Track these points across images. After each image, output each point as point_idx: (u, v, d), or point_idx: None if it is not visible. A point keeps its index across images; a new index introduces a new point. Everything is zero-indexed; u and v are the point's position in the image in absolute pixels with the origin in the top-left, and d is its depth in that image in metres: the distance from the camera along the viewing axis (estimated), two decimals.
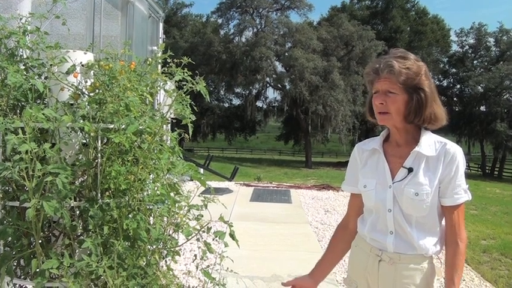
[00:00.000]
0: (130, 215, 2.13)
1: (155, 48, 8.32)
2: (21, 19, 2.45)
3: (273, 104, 41.18)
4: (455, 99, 45.23)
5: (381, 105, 1.98)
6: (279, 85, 36.90)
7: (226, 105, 43.63)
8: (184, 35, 40.92)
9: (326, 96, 32.76)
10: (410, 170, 1.99)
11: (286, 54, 36.01)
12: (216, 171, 14.13)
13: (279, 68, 37.83)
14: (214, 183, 12.48)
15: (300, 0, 38.91)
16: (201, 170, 13.00)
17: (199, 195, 2.42)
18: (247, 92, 39.85)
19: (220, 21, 41.16)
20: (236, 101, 43.49)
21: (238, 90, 41.19)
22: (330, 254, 2.35)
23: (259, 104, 41.29)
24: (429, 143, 2.01)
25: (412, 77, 1.95)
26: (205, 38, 37.50)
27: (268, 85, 38.80)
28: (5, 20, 2.39)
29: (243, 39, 38.79)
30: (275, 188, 13.62)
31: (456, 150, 1.97)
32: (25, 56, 2.43)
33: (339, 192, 13.42)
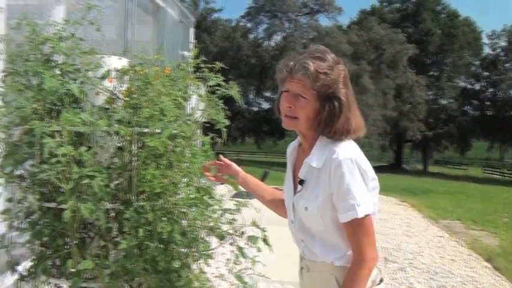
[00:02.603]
0: (164, 218, 2.15)
1: (186, 53, 8.40)
2: (55, 26, 2.50)
3: None
4: (487, 103, 44.38)
5: (288, 108, 1.80)
6: None
7: (256, 109, 43.71)
8: (214, 39, 41.19)
9: (356, 100, 32.42)
10: (301, 182, 1.84)
11: None
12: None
13: None
14: None
15: (330, 4, 38.76)
16: None
17: (230, 199, 2.43)
18: (276, 96, 39.81)
19: (249, 25, 41.34)
20: (265, 105, 43.53)
21: (267, 94, 41.27)
22: (262, 192, 2.25)
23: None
24: (321, 152, 1.79)
25: (328, 84, 1.75)
26: (234, 43, 37.72)
27: None
28: (41, 27, 2.44)
29: (272, 44, 38.91)
30: None
31: (342, 160, 1.72)
32: (60, 62, 2.48)
33: None
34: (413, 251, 7.41)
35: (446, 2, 44.60)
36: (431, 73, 43.04)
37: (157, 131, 2.13)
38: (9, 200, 2.31)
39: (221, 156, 2.22)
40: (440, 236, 8.88)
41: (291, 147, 2.04)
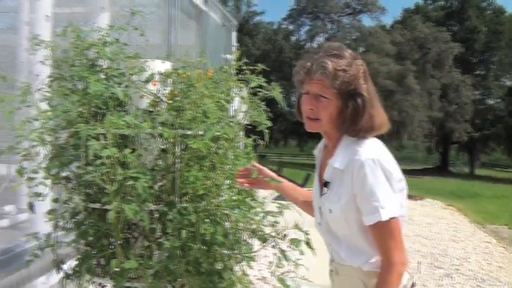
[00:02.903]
0: (207, 220, 2.16)
1: (229, 56, 8.46)
2: (100, 31, 2.56)
3: None
4: None
5: (310, 110, 1.77)
6: None
7: None
8: (256, 42, 41.34)
9: (401, 101, 31.86)
10: (326, 184, 1.81)
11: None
12: (288, 178, 14.10)
13: None
14: None
15: (372, 4, 38.32)
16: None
17: (272, 201, 2.42)
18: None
19: (291, 27, 41.35)
20: None
21: None
22: (296, 194, 2.27)
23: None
24: (345, 152, 1.75)
25: (349, 81, 1.71)
26: (276, 45, 37.76)
27: None
28: (86, 33, 2.50)
29: (315, 45, 38.69)
30: None
31: (364, 161, 1.67)
32: (105, 66, 2.54)
33: (416, 201, 13.02)
34: (460, 257, 7.22)
35: None
36: (477, 72, 41.69)
37: (200, 133, 2.14)
38: (55, 200, 2.37)
39: (254, 163, 2.20)
40: (488, 242, 8.62)
41: (317, 150, 2.03)
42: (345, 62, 1.72)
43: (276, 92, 2.32)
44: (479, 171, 39.81)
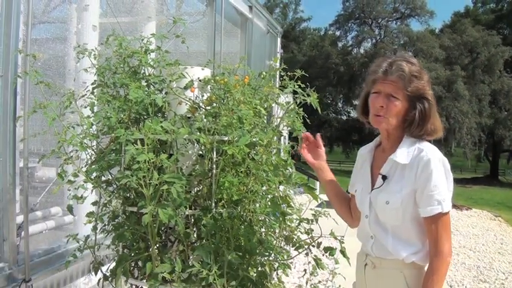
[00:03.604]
0: (242, 226, 2.17)
1: (273, 62, 8.48)
2: (143, 40, 2.62)
3: None
4: None
5: (380, 108, 1.89)
6: None
7: (344, 117, 43.13)
8: (303, 48, 41.26)
9: (449, 107, 31.01)
10: (384, 177, 1.94)
11: None
12: None
13: None
14: None
15: (421, 8, 37.48)
16: (317, 184, 12.90)
17: (311, 209, 2.40)
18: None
19: (338, 33, 40.95)
20: (354, 114, 42.86)
21: (356, 102, 40.56)
22: (331, 184, 2.30)
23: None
24: (408, 150, 1.90)
25: (419, 87, 1.87)
26: (323, 51, 37.50)
27: None
28: (128, 41, 2.56)
29: (362, 51, 38.25)
30: None
31: (431, 158, 1.84)
32: (147, 73, 2.60)
33: (462, 212, 12.64)
34: (506, 271, 6.94)
35: None
36: None
37: (236, 138, 2.16)
38: (95, 203, 2.44)
39: (318, 135, 2.24)
40: None
41: (366, 150, 2.15)
42: (417, 68, 1.89)
43: (312, 97, 2.31)
44: None
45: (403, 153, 1.89)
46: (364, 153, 2.14)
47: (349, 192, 2.28)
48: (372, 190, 2.00)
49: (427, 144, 1.91)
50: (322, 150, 2.24)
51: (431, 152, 1.86)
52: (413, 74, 1.86)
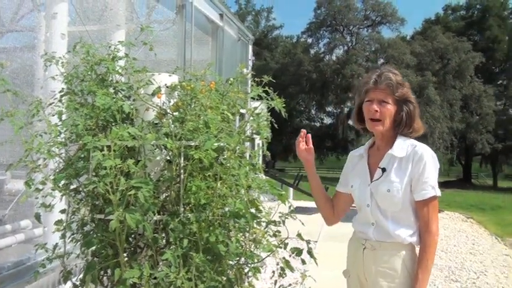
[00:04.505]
0: (210, 229, 2.19)
1: (245, 70, 8.52)
2: (110, 47, 2.63)
3: None
4: None
5: (375, 112, 2.25)
6: None
7: (318, 124, 43.36)
8: (275, 56, 41.40)
9: (421, 112, 31.28)
10: (383, 170, 2.27)
11: None
12: (305, 191, 14.02)
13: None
14: (303, 203, 12.34)
15: (392, 15, 38.09)
16: (290, 190, 12.98)
17: (280, 214, 2.44)
18: (339, 110, 39.42)
19: (310, 40, 41.34)
20: (327, 120, 43.11)
21: (329, 109, 40.81)
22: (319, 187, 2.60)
23: (351, 122, 40.43)
24: (402, 146, 2.26)
25: (404, 92, 2.26)
26: (295, 58, 37.66)
27: None
28: (95, 49, 2.57)
29: (334, 58, 38.56)
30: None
31: (424, 151, 2.23)
32: (115, 81, 2.60)
33: (440, 213, 12.83)
34: (478, 270, 7.08)
35: None
36: (499, 82, 40.75)
37: (202, 143, 2.18)
38: (63, 211, 2.43)
39: (309, 135, 2.52)
40: (507, 255, 8.42)
41: (358, 152, 2.48)
42: (400, 78, 2.29)
43: (276, 102, 2.35)
44: (502, 183, 38.96)
45: (399, 149, 2.25)
46: (357, 155, 2.47)
47: (336, 192, 2.58)
48: (371, 182, 2.31)
49: (416, 141, 2.29)
50: (312, 148, 2.54)
51: (423, 147, 2.25)
52: (399, 82, 2.25)
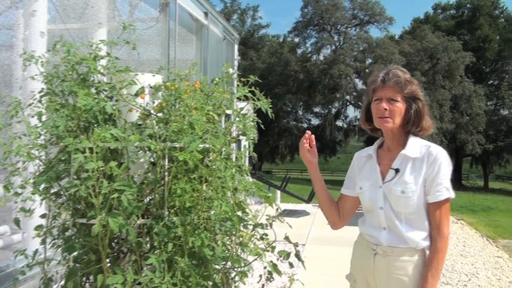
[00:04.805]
0: (195, 232, 2.13)
1: (231, 70, 8.47)
2: (92, 46, 2.56)
3: (354, 123, 39.88)
4: None
5: (384, 110, 2.18)
6: (360, 103, 35.87)
7: (305, 125, 43.32)
8: (262, 56, 41.27)
9: None
10: (397, 170, 2.19)
11: (367, 70, 34.79)
12: (293, 193, 13.96)
13: (360, 85, 36.98)
14: (291, 206, 12.27)
15: (380, 14, 38.20)
16: (278, 192, 12.91)
17: (267, 216, 2.39)
18: (327, 111, 39.38)
19: (297, 40, 41.35)
20: (315, 121, 43.00)
21: (317, 109, 40.77)
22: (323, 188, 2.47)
23: (339, 123, 40.32)
24: (415, 146, 2.19)
25: (413, 89, 2.19)
26: (282, 58, 37.58)
27: (348, 103, 38.11)
28: (76, 47, 2.50)
29: (321, 58, 38.60)
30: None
31: (439, 152, 2.16)
32: (97, 81, 2.53)
33: None
34: (469, 272, 7.07)
35: (505, 6, 42.55)
36: (490, 82, 41.05)
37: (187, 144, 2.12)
38: (43, 216, 2.35)
39: (312, 136, 2.43)
40: (499, 257, 8.44)
41: (366, 153, 2.38)
42: (409, 75, 2.23)
43: (262, 102, 2.30)
44: (493, 184, 39.23)
45: (413, 149, 2.17)
46: (365, 155, 2.38)
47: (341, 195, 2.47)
48: (383, 184, 2.22)
49: (429, 142, 2.22)
50: (316, 150, 2.46)
51: (437, 148, 2.17)
52: (407, 80, 2.18)
